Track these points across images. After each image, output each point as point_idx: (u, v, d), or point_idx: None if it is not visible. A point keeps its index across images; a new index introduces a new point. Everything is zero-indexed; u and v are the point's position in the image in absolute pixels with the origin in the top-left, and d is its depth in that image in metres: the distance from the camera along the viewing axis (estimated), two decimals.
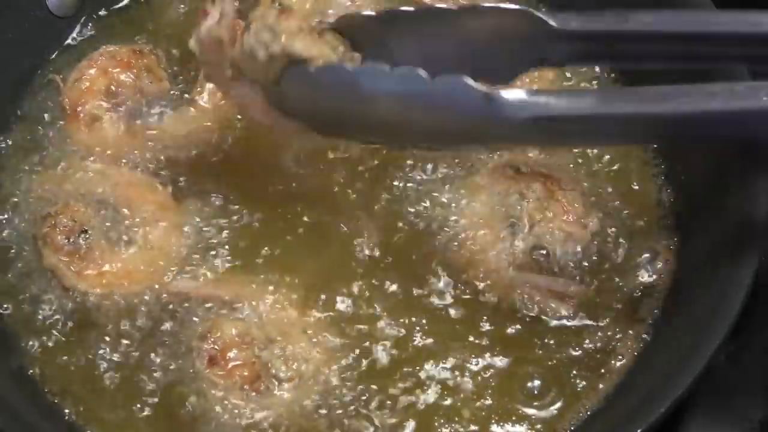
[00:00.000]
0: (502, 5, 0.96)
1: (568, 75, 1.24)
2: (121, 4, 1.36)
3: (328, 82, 0.94)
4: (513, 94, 0.90)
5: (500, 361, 1.07)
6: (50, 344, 1.09)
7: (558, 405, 1.04)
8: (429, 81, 0.90)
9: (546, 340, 1.08)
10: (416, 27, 0.98)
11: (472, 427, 1.03)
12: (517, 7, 0.96)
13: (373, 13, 1.00)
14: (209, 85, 1.22)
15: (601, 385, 1.05)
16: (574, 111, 0.90)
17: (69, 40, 1.33)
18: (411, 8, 0.99)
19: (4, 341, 1.10)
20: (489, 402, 1.05)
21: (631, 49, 0.94)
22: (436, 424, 1.03)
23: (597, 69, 1.24)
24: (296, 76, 0.95)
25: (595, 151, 1.19)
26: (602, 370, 1.06)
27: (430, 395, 1.05)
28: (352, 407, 1.04)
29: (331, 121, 1.00)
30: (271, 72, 0.96)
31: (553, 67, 1.08)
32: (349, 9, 1.31)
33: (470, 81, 0.90)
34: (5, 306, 1.12)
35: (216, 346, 1.05)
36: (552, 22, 0.92)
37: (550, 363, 1.06)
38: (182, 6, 1.35)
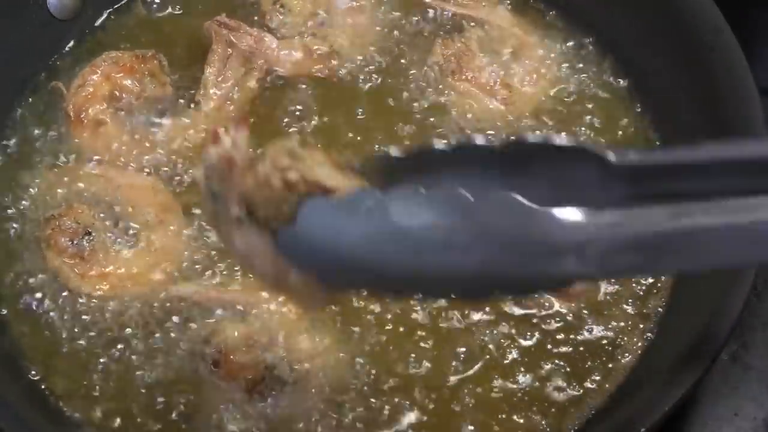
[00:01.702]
0: (552, 141, 0.82)
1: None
2: (121, 6, 1.37)
3: (353, 213, 0.79)
4: (570, 213, 0.76)
5: (502, 361, 1.07)
6: (53, 346, 1.09)
7: (562, 404, 1.04)
8: (473, 201, 0.77)
9: (548, 339, 1.08)
10: (451, 167, 0.84)
11: None
12: (568, 143, 0.83)
13: (400, 155, 0.85)
14: (212, 89, 1.23)
15: (605, 384, 1.05)
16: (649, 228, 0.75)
17: (70, 43, 1.33)
18: (445, 146, 0.85)
19: (6, 343, 1.10)
20: (491, 402, 1.05)
21: (699, 182, 0.79)
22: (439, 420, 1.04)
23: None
24: (315, 208, 0.80)
25: None
26: (606, 369, 1.06)
27: (433, 394, 1.05)
28: (357, 409, 1.04)
29: (353, 267, 0.82)
30: (286, 204, 0.81)
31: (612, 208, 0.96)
32: (349, 10, 1.32)
33: (520, 197, 0.77)
34: (8, 308, 1.12)
35: (219, 350, 1.05)
36: (609, 158, 0.79)
37: (552, 362, 1.06)
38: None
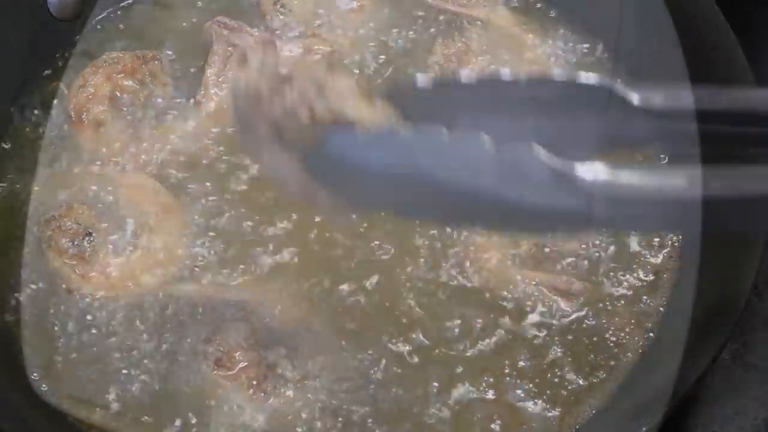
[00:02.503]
0: (577, 78, 0.83)
1: None
2: (122, 6, 1.37)
3: (377, 148, 0.81)
4: (590, 170, 0.76)
5: (504, 361, 1.07)
6: (54, 347, 1.09)
7: (563, 404, 1.04)
8: (494, 150, 0.76)
9: (550, 339, 1.08)
10: (477, 99, 0.85)
11: None
12: (593, 81, 0.82)
13: (427, 83, 0.86)
14: (212, 89, 1.23)
15: (607, 383, 1.05)
16: (669, 192, 0.75)
17: (71, 43, 1.33)
18: (472, 77, 0.86)
19: (7, 344, 1.10)
20: (491, 403, 1.05)
21: (726, 131, 0.80)
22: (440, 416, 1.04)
23: None
24: (341, 140, 0.82)
25: None
26: (607, 368, 1.06)
27: (434, 392, 1.05)
28: (360, 406, 1.04)
29: (377, 193, 0.86)
30: (313, 133, 0.83)
31: (635, 148, 0.97)
32: (349, 10, 1.32)
33: (542, 152, 0.76)
34: (9, 309, 1.12)
35: (222, 349, 1.06)
36: (632, 99, 0.80)
37: (554, 360, 1.07)
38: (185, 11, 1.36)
